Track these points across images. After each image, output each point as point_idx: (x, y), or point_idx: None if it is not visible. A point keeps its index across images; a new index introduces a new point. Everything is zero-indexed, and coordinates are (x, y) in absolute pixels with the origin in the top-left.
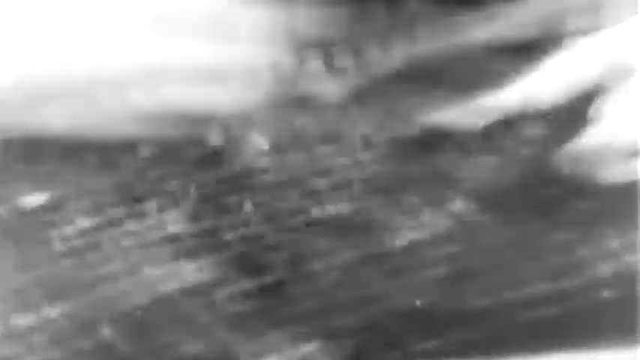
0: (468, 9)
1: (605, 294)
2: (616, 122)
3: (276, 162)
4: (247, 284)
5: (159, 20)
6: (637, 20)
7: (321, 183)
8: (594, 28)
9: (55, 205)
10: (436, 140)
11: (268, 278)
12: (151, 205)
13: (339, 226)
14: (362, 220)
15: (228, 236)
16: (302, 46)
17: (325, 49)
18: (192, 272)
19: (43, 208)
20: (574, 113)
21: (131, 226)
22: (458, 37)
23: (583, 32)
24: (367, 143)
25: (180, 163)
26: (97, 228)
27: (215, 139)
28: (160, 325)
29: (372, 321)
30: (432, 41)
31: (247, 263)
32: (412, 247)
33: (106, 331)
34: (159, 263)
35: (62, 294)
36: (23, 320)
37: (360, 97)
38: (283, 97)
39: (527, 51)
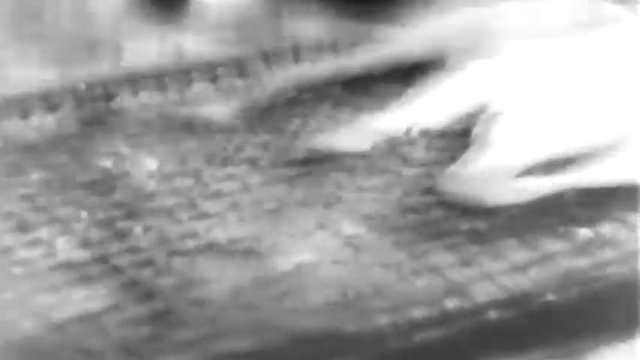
0: (355, 32)
1: (491, 315)
2: (501, 143)
3: (166, 186)
4: (138, 310)
5: None
6: (521, 43)
7: (210, 206)
8: (479, 50)
9: None
10: (323, 162)
11: (159, 304)
12: (42, 233)
13: (229, 250)
14: (251, 244)
15: (120, 262)
16: (190, 69)
17: (212, 71)
18: (84, 299)
19: None
20: (459, 135)
21: (22, 254)
22: (343, 59)
23: (468, 55)
24: (255, 166)
25: (70, 189)
26: None
27: (105, 163)
28: (53, 353)
29: (262, 345)
30: (319, 63)
31: (138, 289)
32: (300, 270)
33: None
34: (51, 291)
35: None
36: None
37: (247, 119)
38: (172, 119)
39: (413, 73)
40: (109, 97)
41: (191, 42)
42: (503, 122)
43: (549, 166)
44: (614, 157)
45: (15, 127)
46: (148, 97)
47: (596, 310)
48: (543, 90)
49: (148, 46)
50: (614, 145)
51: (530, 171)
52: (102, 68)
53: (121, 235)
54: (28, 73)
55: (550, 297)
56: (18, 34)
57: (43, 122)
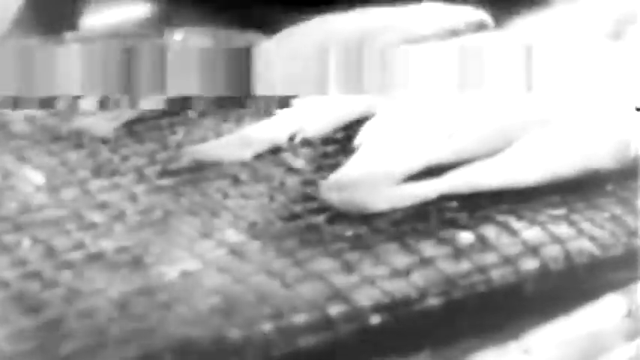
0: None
1: (374, 319)
2: (382, 150)
3: (52, 198)
4: (25, 323)
5: None
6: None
7: (96, 217)
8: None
9: None
10: (207, 171)
11: (46, 316)
12: None
13: (116, 260)
14: (137, 253)
15: (7, 275)
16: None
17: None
18: None
19: None
20: (341, 142)
21: None
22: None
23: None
24: (141, 176)
25: None
26: None
27: None
28: None
29: (148, 354)
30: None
31: (25, 302)
32: (185, 279)
33: None
34: None
35: None
36: None
37: (131, 130)
38: (56, 131)
39: None
40: None
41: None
42: (384, 128)
43: (429, 171)
44: (494, 161)
45: None
46: (32, 110)
47: (478, 312)
48: (422, 95)
49: None
50: (494, 149)
51: (410, 176)
52: None
53: (8, 249)
54: None
55: (432, 301)
56: None
57: None
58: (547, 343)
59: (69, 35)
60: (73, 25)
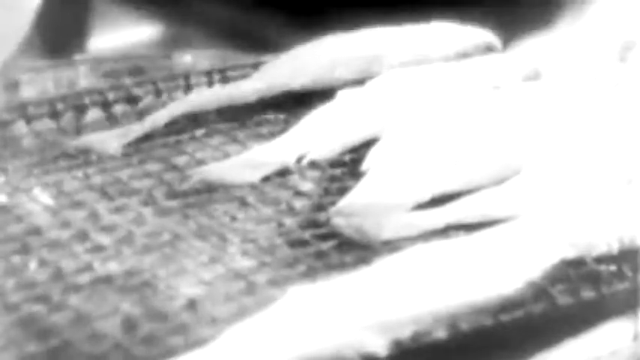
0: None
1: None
2: (391, 176)
3: (60, 218)
4: (34, 347)
5: None
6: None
7: (104, 239)
8: (364, 78)
9: None
10: (213, 193)
11: (54, 340)
12: None
13: (123, 283)
14: (145, 277)
15: (15, 298)
16: (83, 99)
17: (104, 101)
18: None
19: None
20: (349, 165)
21: None
22: (232, 87)
23: (354, 83)
24: (149, 197)
25: None
26: None
27: None
28: None
29: None
30: (208, 92)
31: (33, 325)
32: (193, 304)
33: None
34: None
35: None
36: None
37: (138, 150)
38: (65, 149)
39: (301, 103)
40: (2, 125)
41: (84, 75)
42: (391, 153)
43: (436, 200)
44: (501, 190)
45: None
46: (41, 125)
47: (486, 337)
48: (432, 121)
49: (43, 80)
50: (501, 177)
51: (418, 205)
52: None
53: (15, 271)
54: None
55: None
56: None
57: None
58: None
59: (77, 57)
60: (81, 47)
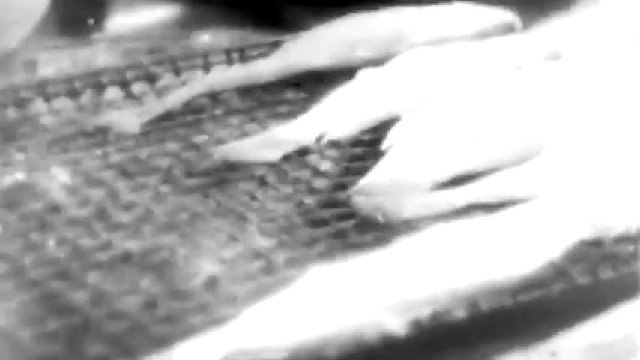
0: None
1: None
2: (411, 155)
3: (79, 196)
4: (53, 324)
5: None
6: (426, 50)
7: (123, 217)
8: (384, 58)
9: None
10: (233, 172)
11: (74, 317)
12: None
13: (142, 262)
14: (164, 255)
15: (34, 275)
16: (101, 78)
17: (123, 80)
18: None
19: None
20: (369, 145)
21: None
22: (251, 66)
23: (374, 63)
24: (168, 176)
25: None
26: None
27: (17, 173)
28: None
29: None
30: (228, 72)
31: (53, 303)
32: (213, 283)
33: None
34: None
35: None
36: None
37: (157, 128)
38: (83, 127)
39: (321, 82)
40: (22, 103)
41: (103, 54)
42: (412, 133)
43: (457, 180)
44: (522, 170)
45: None
46: (60, 103)
47: (505, 316)
48: (453, 100)
49: (61, 59)
50: (522, 157)
51: (439, 185)
52: (15, 79)
53: (35, 248)
54: None
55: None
56: None
57: None
58: (574, 347)
59: (96, 36)
60: (99, 27)
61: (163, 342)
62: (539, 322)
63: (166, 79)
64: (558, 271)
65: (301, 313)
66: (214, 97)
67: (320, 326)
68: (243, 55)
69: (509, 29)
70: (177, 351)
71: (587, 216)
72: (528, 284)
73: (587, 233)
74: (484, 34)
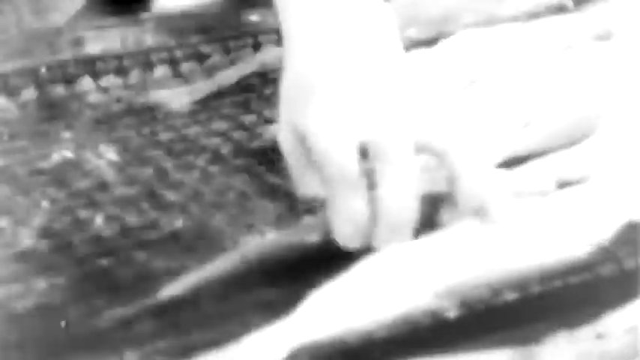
0: None
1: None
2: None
3: (127, 174)
4: (100, 301)
5: None
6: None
7: (171, 196)
8: (436, 38)
9: None
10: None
11: (122, 294)
12: (2, 222)
13: (190, 241)
14: (212, 235)
15: (81, 252)
16: (150, 56)
17: (172, 59)
18: (45, 289)
19: None
20: None
21: None
22: None
23: (425, 43)
24: (216, 155)
25: (30, 176)
26: None
27: (65, 150)
28: (12, 345)
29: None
30: (276, 51)
31: (100, 280)
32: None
33: None
34: (11, 281)
35: None
36: None
37: (206, 107)
38: (131, 105)
39: None
40: (70, 80)
41: (151, 33)
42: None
43: (507, 163)
44: (572, 153)
45: None
46: (108, 81)
47: (552, 298)
48: (503, 81)
49: (109, 37)
50: (571, 140)
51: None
52: (63, 56)
53: (82, 225)
54: None
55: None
56: None
57: (2, 107)
58: (620, 329)
59: (143, 16)
60: (146, 6)
61: (213, 322)
62: (586, 305)
63: (215, 58)
64: (607, 253)
65: (355, 298)
66: (263, 76)
67: (373, 310)
68: None
69: (560, 9)
70: (241, 347)
71: (636, 198)
72: (578, 267)
73: (635, 215)
74: (535, 14)
